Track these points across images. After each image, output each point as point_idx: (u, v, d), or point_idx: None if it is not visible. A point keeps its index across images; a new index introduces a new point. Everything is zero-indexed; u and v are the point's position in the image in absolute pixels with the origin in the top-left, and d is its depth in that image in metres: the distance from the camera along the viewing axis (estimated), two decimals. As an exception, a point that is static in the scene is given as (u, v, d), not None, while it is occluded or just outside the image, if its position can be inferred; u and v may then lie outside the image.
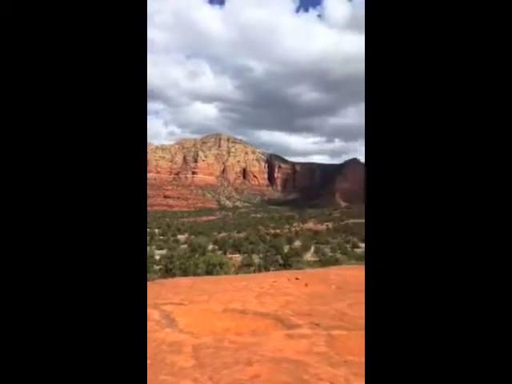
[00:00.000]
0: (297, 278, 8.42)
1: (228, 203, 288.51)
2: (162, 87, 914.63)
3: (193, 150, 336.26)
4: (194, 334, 4.58)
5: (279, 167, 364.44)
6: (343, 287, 7.23)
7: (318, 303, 5.90)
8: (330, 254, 50.70)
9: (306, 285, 7.63)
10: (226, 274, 15.38)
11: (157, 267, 26.02)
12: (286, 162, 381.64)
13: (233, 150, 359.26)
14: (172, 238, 74.74)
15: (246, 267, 37.04)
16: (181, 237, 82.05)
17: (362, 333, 4.51)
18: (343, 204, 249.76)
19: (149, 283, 8.25)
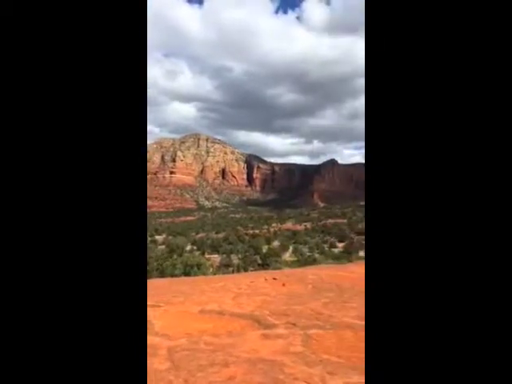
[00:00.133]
0: (274, 278, 8.44)
1: (207, 203, 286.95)
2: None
3: (171, 149, 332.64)
4: (170, 337, 4.51)
5: (258, 168, 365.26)
6: (319, 287, 7.30)
7: (294, 303, 5.93)
8: (308, 253, 51.20)
9: (284, 285, 7.66)
10: (203, 274, 15.29)
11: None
12: (264, 162, 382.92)
13: (212, 150, 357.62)
14: (149, 239, 73.70)
15: (224, 268, 36.94)
16: (158, 237, 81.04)
17: (338, 331, 4.58)
18: (321, 204, 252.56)
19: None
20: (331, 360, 3.60)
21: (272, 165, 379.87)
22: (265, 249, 55.20)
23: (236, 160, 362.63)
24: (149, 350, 4.08)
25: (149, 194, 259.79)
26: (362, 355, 3.89)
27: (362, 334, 4.49)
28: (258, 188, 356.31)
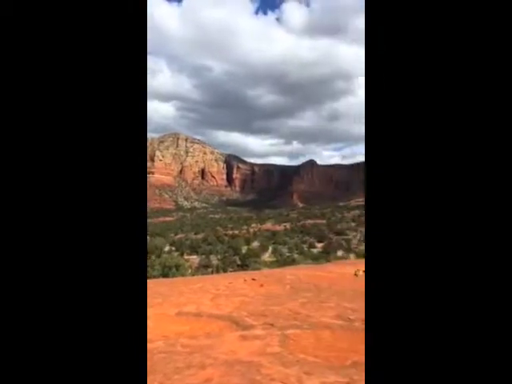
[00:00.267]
0: (253, 279, 8.45)
1: (186, 204, 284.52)
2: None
3: (150, 149, 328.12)
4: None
5: (238, 168, 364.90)
6: (297, 287, 7.35)
7: (272, 303, 5.94)
8: (288, 254, 51.47)
9: (262, 285, 7.67)
10: (182, 276, 15.14)
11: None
12: (244, 162, 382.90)
13: (191, 149, 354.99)
14: (127, 240, 72.13)
15: (203, 268, 36.69)
16: (136, 238, 79.42)
17: (315, 331, 4.61)
18: (300, 205, 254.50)
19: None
20: (308, 360, 3.63)
21: (251, 165, 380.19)
22: (244, 249, 55.18)
23: (215, 160, 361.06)
24: (124, 354, 4.01)
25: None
26: (339, 354, 3.94)
27: (340, 333, 4.55)
28: (237, 188, 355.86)
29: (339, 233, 70.43)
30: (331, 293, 6.71)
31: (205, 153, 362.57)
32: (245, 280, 8.38)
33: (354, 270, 9.34)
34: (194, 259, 48.09)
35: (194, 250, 60.98)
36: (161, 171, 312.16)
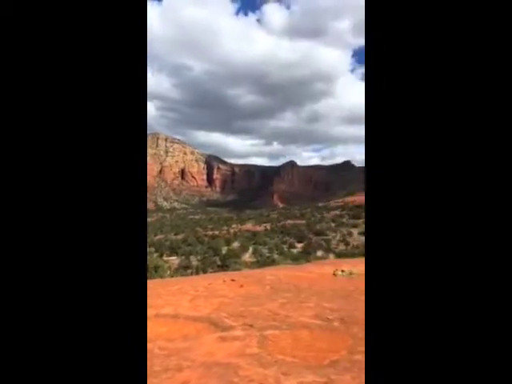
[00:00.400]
0: (232, 280, 8.41)
1: (165, 204, 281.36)
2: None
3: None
4: (122, 343, 4.36)
5: (218, 168, 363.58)
6: (277, 287, 7.36)
7: (252, 304, 5.93)
8: (268, 254, 51.59)
9: (242, 286, 7.65)
10: (161, 277, 14.94)
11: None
12: (224, 163, 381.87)
13: (171, 149, 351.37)
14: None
15: (183, 270, 36.34)
16: (114, 239, 78.05)
17: (294, 331, 4.62)
18: (281, 205, 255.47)
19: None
20: (286, 360, 3.63)
21: (232, 166, 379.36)
22: (224, 250, 55.01)
23: (196, 160, 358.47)
24: (99, 358, 3.91)
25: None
26: (317, 354, 3.96)
27: (318, 333, 4.57)
28: (217, 189, 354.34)
29: (319, 233, 71.04)
30: (310, 293, 6.75)
31: (185, 153, 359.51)
32: (224, 281, 8.34)
33: (333, 270, 9.42)
34: (174, 260, 47.58)
35: (173, 250, 60.33)
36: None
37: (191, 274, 30.22)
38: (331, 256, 42.45)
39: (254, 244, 64.45)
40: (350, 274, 8.98)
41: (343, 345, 4.07)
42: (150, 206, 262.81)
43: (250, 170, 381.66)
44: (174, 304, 6.18)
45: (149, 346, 4.20)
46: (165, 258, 43.17)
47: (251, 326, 4.77)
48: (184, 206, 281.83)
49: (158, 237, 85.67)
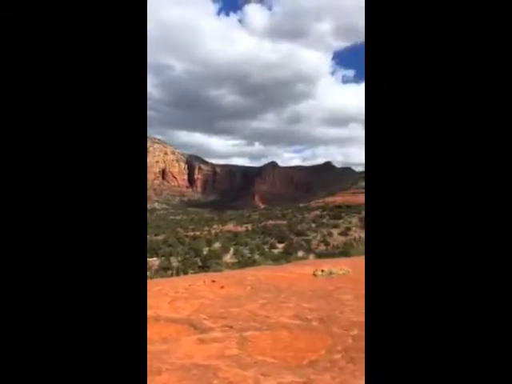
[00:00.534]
0: (213, 281, 8.36)
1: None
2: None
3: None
4: (99, 346, 4.27)
5: (199, 168, 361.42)
6: (257, 288, 7.36)
7: (232, 305, 5.91)
8: (249, 255, 51.56)
9: (222, 287, 7.61)
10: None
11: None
12: (206, 163, 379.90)
13: (151, 149, 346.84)
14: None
15: (163, 271, 35.97)
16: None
17: (274, 332, 4.63)
18: (262, 206, 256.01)
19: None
20: (266, 361, 3.63)
21: (213, 166, 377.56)
22: (205, 251, 54.74)
23: (177, 160, 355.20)
24: (75, 362, 3.82)
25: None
26: (297, 354, 3.97)
27: (297, 333, 4.59)
28: (199, 189, 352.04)
29: (300, 233, 71.53)
30: (290, 293, 6.79)
31: (166, 153, 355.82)
32: (204, 282, 8.28)
33: (313, 270, 9.49)
34: (154, 261, 47.02)
35: (154, 251, 59.60)
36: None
37: (171, 275, 29.90)
38: (312, 256, 42.79)
39: (235, 245, 64.32)
40: (330, 273, 9.06)
41: (322, 344, 4.10)
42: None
43: (231, 170, 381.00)
44: (153, 306, 6.09)
45: (126, 349, 4.13)
46: (145, 259, 42.51)
47: (231, 327, 4.75)
48: (165, 206, 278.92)
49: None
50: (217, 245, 64.15)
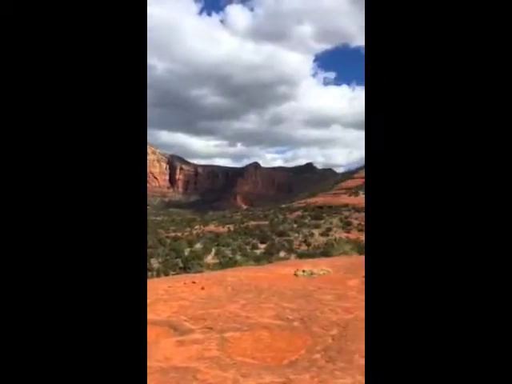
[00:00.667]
0: (193, 282, 8.29)
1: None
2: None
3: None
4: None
5: (181, 169, 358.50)
6: (238, 288, 7.34)
7: (212, 306, 5.87)
8: (231, 255, 51.43)
9: (203, 288, 7.56)
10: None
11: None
12: (187, 163, 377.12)
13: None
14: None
15: (143, 272, 35.40)
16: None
17: (254, 332, 4.61)
18: (244, 206, 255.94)
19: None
20: (246, 362, 3.61)
21: (195, 166, 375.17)
22: (187, 252, 54.28)
23: (158, 160, 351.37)
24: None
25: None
26: (277, 354, 3.97)
27: (277, 333, 4.59)
28: (180, 190, 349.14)
29: (281, 234, 71.74)
30: (271, 293, 6.79)
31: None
32: (185, 283, 8.20)
33: (294, 271, 9.53)
34: (134, 263, 46.28)
35: (133, 253, 58.75)
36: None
37: (152, 276, 29.54)
38: (293, 256, 43.01)
39: (216, 245, 64.00)
40: (311, 274, 9.12)
41: (302, 344, 4.12)
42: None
43: (213, 170, 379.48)
44: (132, 308, 6.00)
45: (103, 352, 4.05)
46: (124, 261, 41.87)
47: (211, 328, 4.72)
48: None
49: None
50: (198, 246, 63.70)
